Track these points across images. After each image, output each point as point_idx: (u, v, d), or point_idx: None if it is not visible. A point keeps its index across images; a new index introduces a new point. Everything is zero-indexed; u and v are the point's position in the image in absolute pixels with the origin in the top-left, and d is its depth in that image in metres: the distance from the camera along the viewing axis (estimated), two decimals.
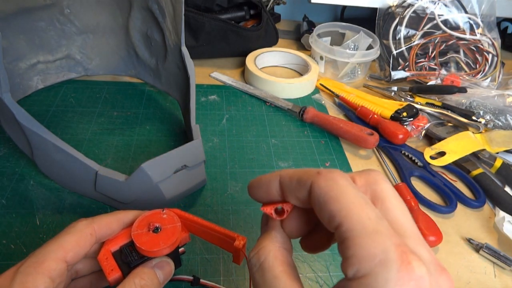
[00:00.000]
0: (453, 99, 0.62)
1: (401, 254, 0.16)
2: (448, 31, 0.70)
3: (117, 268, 0.27)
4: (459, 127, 0.57)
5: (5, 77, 0.34)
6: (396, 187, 0.46)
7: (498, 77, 0.70)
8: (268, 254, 0.21)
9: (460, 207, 0.46)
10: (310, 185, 0.20)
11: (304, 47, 0.79)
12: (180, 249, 0.31)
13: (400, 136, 0.52)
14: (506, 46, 0.88)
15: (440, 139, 0.55)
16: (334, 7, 0.96)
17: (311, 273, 0.37)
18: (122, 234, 0.29)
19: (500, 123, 0.57)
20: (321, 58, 0.68)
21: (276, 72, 0.70)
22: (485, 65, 0.70)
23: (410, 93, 0.64)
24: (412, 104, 0.59)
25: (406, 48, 0.70)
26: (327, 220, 0.19)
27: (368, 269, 0.16)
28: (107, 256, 0.28)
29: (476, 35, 0.71)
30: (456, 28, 0.72)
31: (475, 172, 0.50)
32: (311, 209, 0.21)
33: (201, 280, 0.34)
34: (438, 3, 0.71)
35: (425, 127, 0.56)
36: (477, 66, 0.70)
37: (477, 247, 0.41)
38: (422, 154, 0.52)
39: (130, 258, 0.28)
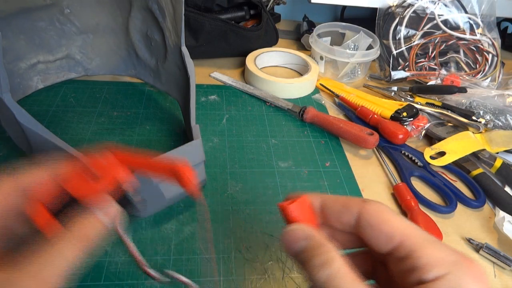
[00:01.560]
0: (453, 99, 0.62)
1: (459, 254, 0.20)
2: (448, 31, 0.70)
3: (53, 220, 0.25)
4: (459, 127, 0.57)
5: (5, 77, 0.34)
6: (396, 187, 0.46)
7: (498, 77, 0.70)
8: (337, 261, 0.20)
9: (460, 207, 0.46)
10: (358, 211, 0.22)
11: (304, 47, 0.79)
12: (135, 197, 0.29)
13: (400, 136, 0.52)
14: (506, 46, 0.88)
15: (440, 139, 0.55)
16: (334, 7, 0.96)
17: None
18: (55, 185, 0.27)
19: (500, 123, 0.57)
20: (321, 58, 0.68)
21: (276, 72, 0.70)
22: (485, 65, 0.70)
23: (410, 93, 0.64)
24: (412, 104, 0.59)
25: (406, 48, 0.70)
26: (384, 240, 0.21)
27: (447, 270, 0.19)
28: (41, 210, 0.26)
29: (476, 35, 0.71)
30: (456, 28, 0.72)
31: (475, 172, 0.50)
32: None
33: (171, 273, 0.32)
34: (438, 3, 0.71)
35: (425, 127, 0.56)
36: (477, 66, 0.70)
37: (477, 247, 0.41)
38: (422, 154, 0.52)
39: (66, 207, 0.26)
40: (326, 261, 0.20)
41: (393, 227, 0.21)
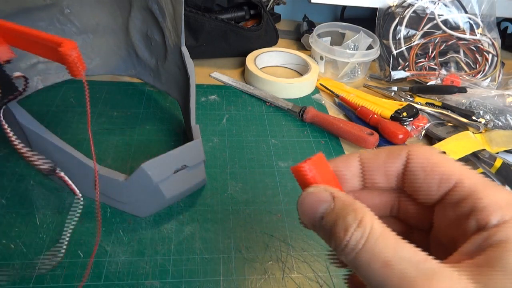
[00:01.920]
0: (453, 99, 0.62)
1: None
2: (448, 31, 0.70)
3: None
4: (459, 127, 0.57)
5: None
6: None
7: (498, 77, 0.70)
8: (374, 219, 0.16)
9: None
10: (407, 155, 0.19)
11: (304, 47, 0.79)
12: (15, 74, 0.27)
13: (400, 136, 0.52)
14: (506, 46, 0.88)
15: (440, 139, 0.55)
16: (334, 7, 0.96)
17: (311, 273, 0.37)
18: None
19: (500, 123, 0.57)
20: (321, 58, 0.68)
21: (276, 72, 0.70)
22: (485, 65, 0.70)
23: (410, 93, 0.64)
24: (412, 104, 0.59)
25: (406, 48, 0.70)
26: (438, 182, 0.18)
27: None
28: None
29: (476, 35, 0.71)
30: (456, 28, 0.72)
31: None
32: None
33: (57, 172, 0.32)
34: (438, 3, 0.71)
35: (425, 127, 0.56)
36: (477, 66, 0.70)
37: None
38: None
39: None
40: (356, 221, 0.16)
41: (448, 167, 0.18)
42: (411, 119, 0.56)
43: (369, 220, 0.16)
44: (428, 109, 0.60)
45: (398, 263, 0.15)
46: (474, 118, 0.57)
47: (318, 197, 0.18)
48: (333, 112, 0.61)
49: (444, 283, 0.14)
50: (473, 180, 0.18)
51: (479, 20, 0.71)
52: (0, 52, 0.25)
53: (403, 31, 0.70)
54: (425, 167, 0.19)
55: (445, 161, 0.19)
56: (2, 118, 0.26)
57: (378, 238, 0.16)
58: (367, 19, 0.78)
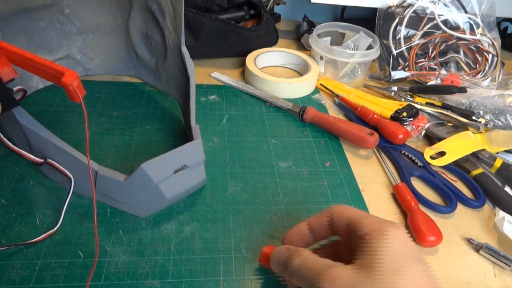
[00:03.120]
0: (453, 99, 0.62)
1: (382, 221, 0.29)
2: (448, 31, 0.70)
3: None
4: (459, 127, 0.57)
5: None
6: (396, 187, 0.46)
7: (498, 77, 0.70)
8: (306, 252, 0.30)
9: (460, 207, 0.46)
10: (330, 212, 0.32)
11: (304, 47, 0.79)
12: (16, 88, 0.30)
13: (400, 136, 0.52)
14: (506, 46, 0.88)
15: (440, 139, 0.55)
16: (334, 7, 0.96)
17: None
18: None
19: (500, 123, 0.57)
20: (321, 58, 0.68)
21: (276, 72, 0.70)
22: (485, 65, 0.70)
23: (410, 93, 0.64)
24: (412, 104, 0.59)
25: (406, 48, 0.70)
26: (346, 222, 0.31)
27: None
28: None
29: (476, 35, 0.71)
30: (456, 28, 0.72)
31: (475, 172, 0.50)
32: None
33: (48, 160, 0.38)
34: (438, 3, 0.71)
35: (425, 127, 0.56)
36: (477, 66, 0.70)
37: (477, 247, 0.41)
38: (422, 154, 0.52)
39: None
40: (298, 255, 0.30)
41: (348, 213, 0.31)
42: (411, 119, 0.56)
43: (304, 250, 0.30)
44: (428, 109, 0.60)
45: (316, 263, 0.28)
46: (474, 118, 0.57)
47: (281, 249, 0.32)
48: (333, 112, 0.61)
49: (337, 269, 0.26)
50: (353, 214, 0.30)
51: (479, 20, 0.71)
52: (5, 73, 0.27)
53: (403, 31, 0.70)
54: (338, 217, 0.31)
55: (347, 210, 0.31)
56: None
57: (308, 256, 0.29)
58: (367, 19, 0.78)
